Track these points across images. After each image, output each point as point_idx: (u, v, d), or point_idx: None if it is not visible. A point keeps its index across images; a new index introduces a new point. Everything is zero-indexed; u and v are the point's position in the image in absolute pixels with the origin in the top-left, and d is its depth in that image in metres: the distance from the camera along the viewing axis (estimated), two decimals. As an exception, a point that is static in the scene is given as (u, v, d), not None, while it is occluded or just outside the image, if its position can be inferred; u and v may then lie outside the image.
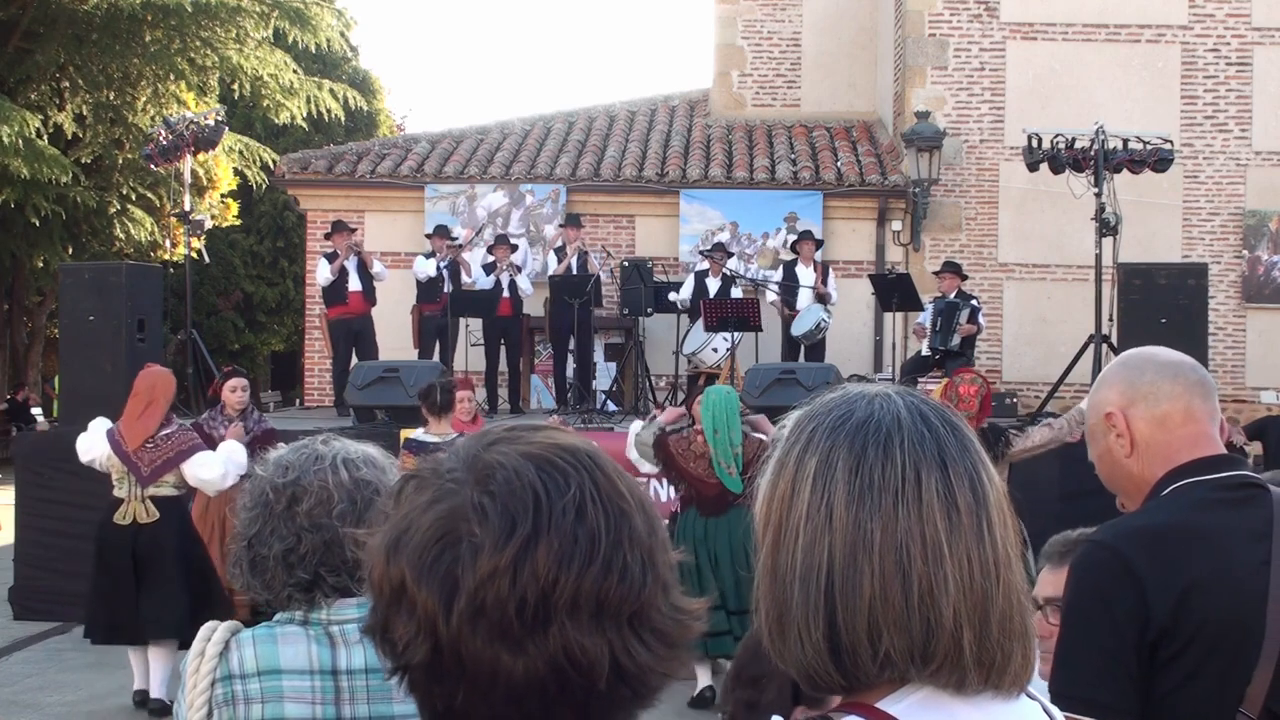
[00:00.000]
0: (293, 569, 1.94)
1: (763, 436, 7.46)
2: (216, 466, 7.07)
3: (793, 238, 14.08)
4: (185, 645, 7.01)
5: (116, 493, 7.04)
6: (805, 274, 13.13)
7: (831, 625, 1.13)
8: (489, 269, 13.18)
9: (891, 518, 1.12)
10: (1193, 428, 2.07)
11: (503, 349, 13.15)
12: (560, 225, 14.52)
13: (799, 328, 12.74)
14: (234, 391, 8.15)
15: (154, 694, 7.11)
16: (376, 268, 12.76)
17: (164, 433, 7.02)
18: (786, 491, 1.17)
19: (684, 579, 1.07)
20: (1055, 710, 1.25)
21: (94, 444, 7.13)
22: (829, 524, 1.14)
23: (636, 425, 7.85)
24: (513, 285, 12.99)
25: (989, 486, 1.16)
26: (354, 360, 12.39)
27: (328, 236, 13.02)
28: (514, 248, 13.44)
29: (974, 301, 12.31)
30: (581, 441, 1.06)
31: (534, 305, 13.76)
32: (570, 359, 12.75)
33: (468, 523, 0.98)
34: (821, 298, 12.99)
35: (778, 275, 13.46)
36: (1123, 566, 1.95)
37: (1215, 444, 2.08)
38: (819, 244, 13.64)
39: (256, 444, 7.52)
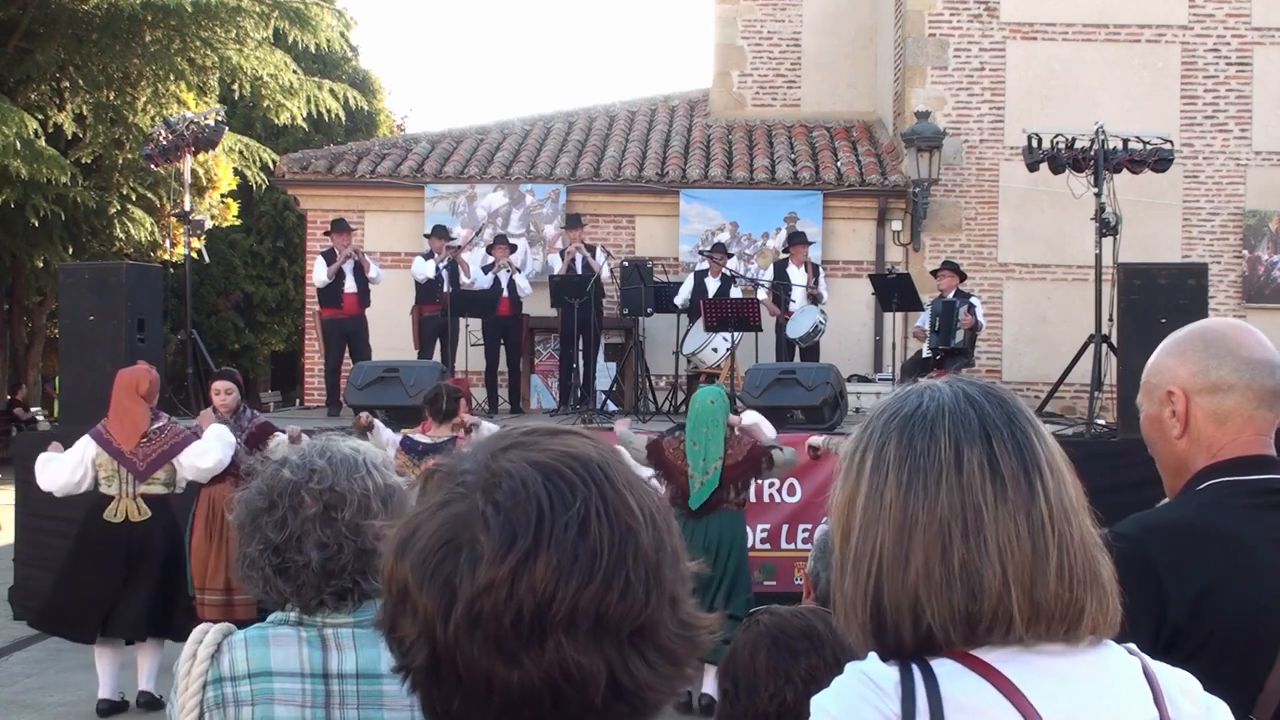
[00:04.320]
0: (331, 577, 1.91)
1: (759, 437, 7.41)
2: (213, 452, 7.12)
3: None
4: (158, 636, 7.10)
5: (105, 490, 7.05)
6: (797, 275, 13.12)
7: (877, 606, 1.22)
8: (488, 269, 13.18)
9: (934, 497, 1.22)
10: (1249, 433, 2.02)
11: (502, 349, 13.15)
12: (561, 227, 14.50)
13: (796, 330, 12.71)
14: (218, 394, 7.74)
15: (143, 686, 7.20)
16: (373, 271, 12.72)
17: (155, 426, 7.08)
18: (851, 490, 1.27)
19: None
20: (1151, 662, 1.30)
21: (72, 467, 7.01)
22: (881, 512, 1.24)
23: (623, 429, 7.82)
24: (512, 285, 12.98)
25: (1039, 449, 1.25)
26: (346, 360, 12.43)
27: (328, 234, 13.02)
28: (513, 248, 13.44)
29: (972, 299, 12.30)
30: (597, 451, 1.04)
31: (533, 305, 13.72)
32: (576, 359, 12.65)
33: (470, 530, 0.98)
34: (814, 298, 12.99)
35: (769, 275, 13.45)
36: (1143, 561, 1.91)
37: (1265, 448, 2.04)
38: (811, 244, 13.65)
39: (253, 440, 7.53)
